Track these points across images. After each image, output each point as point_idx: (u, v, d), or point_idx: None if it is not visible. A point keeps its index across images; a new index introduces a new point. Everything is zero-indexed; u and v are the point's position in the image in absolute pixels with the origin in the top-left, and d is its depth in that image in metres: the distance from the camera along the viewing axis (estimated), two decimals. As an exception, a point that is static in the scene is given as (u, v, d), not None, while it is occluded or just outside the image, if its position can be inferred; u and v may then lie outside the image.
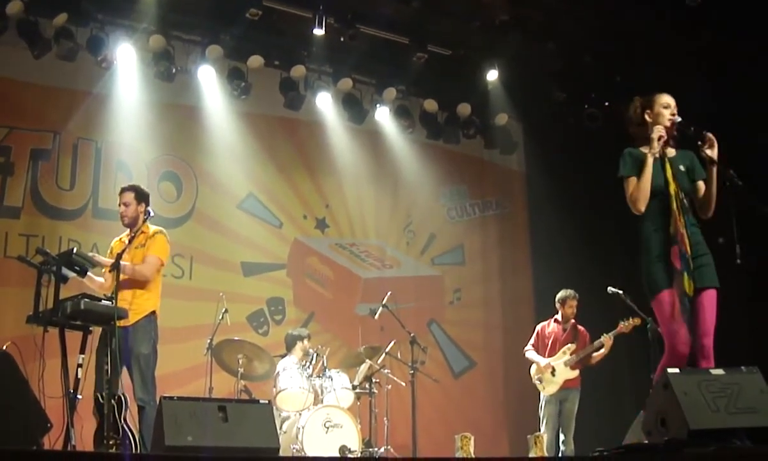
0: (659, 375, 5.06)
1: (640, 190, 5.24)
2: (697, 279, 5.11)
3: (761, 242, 6.32)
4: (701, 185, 5.39)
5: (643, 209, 5.24)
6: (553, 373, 9.09)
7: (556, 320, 9.36)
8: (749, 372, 4.69)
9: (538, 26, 10.38)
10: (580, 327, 9.29)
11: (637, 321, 8.62)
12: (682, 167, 5.35)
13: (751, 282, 8.18)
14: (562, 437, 9.11)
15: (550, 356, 9.18)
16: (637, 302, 8.28)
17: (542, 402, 9.24)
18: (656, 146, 5.24)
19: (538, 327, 9.52)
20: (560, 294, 9.36)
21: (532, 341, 9.45)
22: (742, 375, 4.65)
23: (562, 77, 11.24)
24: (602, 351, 8.97)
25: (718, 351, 5.11)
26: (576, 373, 9.09)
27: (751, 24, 8.99)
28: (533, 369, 9.29)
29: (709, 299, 5.16)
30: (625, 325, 8.74)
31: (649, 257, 5.22)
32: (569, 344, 9.13)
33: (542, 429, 9.10)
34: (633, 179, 5.30)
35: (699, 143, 5.29)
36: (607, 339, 8.90)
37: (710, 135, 5.25)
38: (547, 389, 9.14)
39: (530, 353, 9.37)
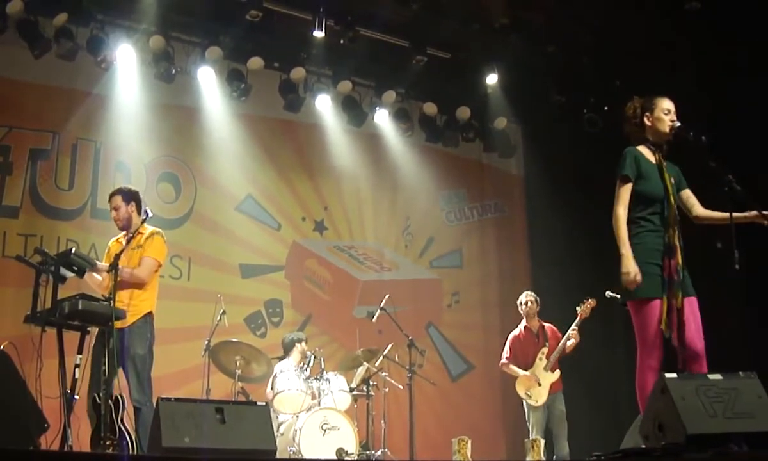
0: (639, 380, 5.13)
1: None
2: (683, 292, 5.16)
3: (759, 248, 6.32)
4: (687, 193, 5.45)
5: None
6: (539, 383, 9.08)
7: (525, 327, 9.39)
8: (747, 377, 4.69)
9: (538, 30, 10.39)
10: (547, 326, 9.33)
11: (593, 303, 8.81)
12: (672, 179, 5.38)
13: (749, 287, 8.18)
14: (555, 442, 9.10)
15: (530, 365, 9.17)
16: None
17: (528, 411, 9.21)
18: None
19: (511, 337, 9.47)
20: (519, 298, 9.48)
21: (506, 353, 9.39)
22: (739, 380, 4.65)
23: (562, 81, 11.25)
24: (573, 341, 9.00)
25: (716, 355, 5.12)
26: (557, 374, 9.09)
27: (751, 27, 9.00)
28: (518, 386, 9.22)
29: (694, 307, 5.20)
30: (583, 309, 8.88)
31: (640, 255, 5.22)
32: (543, 348, 9.15)
33: (532, 436, 9.08)
34: (629, 186, 5.32)
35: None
36: (573, 331, 8.94)
37: None
38: (539, 400, 9.07)
39: (512, 366, 9.30)
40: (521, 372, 9.19)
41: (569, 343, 8.99)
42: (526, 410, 9.24)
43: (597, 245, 11.03)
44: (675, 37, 9.63)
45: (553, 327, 9.32)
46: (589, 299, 8.84)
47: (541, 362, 9.10)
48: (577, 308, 8.92)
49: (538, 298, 9.43)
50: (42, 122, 9.82)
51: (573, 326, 8.96)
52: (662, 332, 5.08)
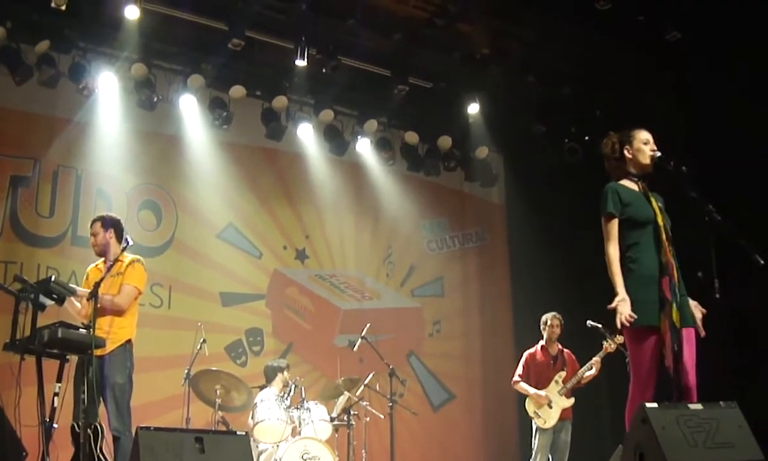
0: (630, 412, 5.08)
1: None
2: (681, 318, 5.12)
3: (739, 276, 6.35)
4: None
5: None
6: (550, 405, 9.00)
7: (543, 348, 9.26)
8: (728, 406, 4.70)
9: (519, 60, 10.47)
10: (566, 352, 9.23)
11: (620, 339, 8.59)
12: (660, 204, 5.37)
13: (730, 316, 8.21)
14: None
15: (542, 387, 9.05)
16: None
17: (535, 433, 9.03)
18: None
19: (526, 355, 9.32)
20: (543, 317, 9.34)
21: (520, 370, 9.24)
22: (720, 410, 4.65)
23: (543, 111, 11.32)
24: (593, 371, 8.89)
25: (697, 384, 5.12)
26: (571, 401, 8.98)
27: (729, 58, 9.09)
28: (528, 404, 9.08)
29: (690, 337, 5.17)
30: (608, 344, 8.64)
31: (637, 282, 5.17)
32: (560, 372, 9.06)
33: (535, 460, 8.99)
34: (615, 221, 5.29)
35: None
36: (596, 361, 8.82)
37: None
38: (548, 422, 8.92)
39: (523, 384, 9.15)
40: (531, 389, 9.06)
41: (588, 373, 8.88)
42: (533, 431, 9.08)
43: (578, 274, 11.12)
44: (655, 67, 9.71)
45: (572, 355, 9.22)
46: (617, 335, 8.36)
47: (556, 385, 8.98)
48: (604, 342, 8.65)
49: (562, 320, 9.26)
50: (23, 149, 9.79)
51: (596, 358, 8.81)
52: (658, 364, 5.03)
